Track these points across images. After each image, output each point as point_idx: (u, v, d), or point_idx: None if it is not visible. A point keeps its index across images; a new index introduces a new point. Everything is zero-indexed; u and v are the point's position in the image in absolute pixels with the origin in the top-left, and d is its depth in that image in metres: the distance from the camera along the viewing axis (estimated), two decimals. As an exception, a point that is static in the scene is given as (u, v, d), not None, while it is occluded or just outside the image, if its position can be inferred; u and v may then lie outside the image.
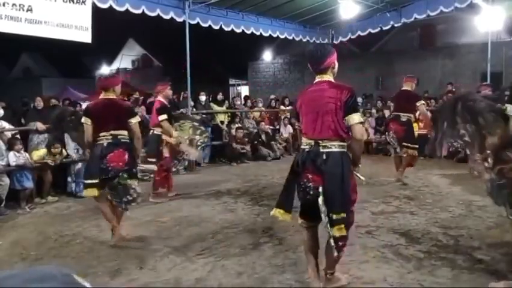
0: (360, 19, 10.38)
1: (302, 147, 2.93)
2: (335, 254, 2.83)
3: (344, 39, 11.70)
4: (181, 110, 8.50)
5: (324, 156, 2.76)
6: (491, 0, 8.39)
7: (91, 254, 3.90)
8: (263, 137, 9.81)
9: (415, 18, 10.07)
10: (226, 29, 9.17)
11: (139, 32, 23.94)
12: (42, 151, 6.04)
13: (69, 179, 6.34)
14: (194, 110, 8.96)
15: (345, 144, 2.83)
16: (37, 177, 5.98)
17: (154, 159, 5.55)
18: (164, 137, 5.62)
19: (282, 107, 11.38)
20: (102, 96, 4.08)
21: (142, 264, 3.58)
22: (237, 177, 7.55)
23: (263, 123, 10.13)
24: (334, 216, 2.73)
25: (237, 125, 9.54)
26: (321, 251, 3.04)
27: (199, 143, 6.25)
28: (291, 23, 10.62)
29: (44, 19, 5.90)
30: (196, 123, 6.40)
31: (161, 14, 7.86)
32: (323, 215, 2.76)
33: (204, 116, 9.17)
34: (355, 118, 2.75)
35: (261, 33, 10.02)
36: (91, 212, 5.38)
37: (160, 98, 5.74)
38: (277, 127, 10.70)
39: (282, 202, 3.06)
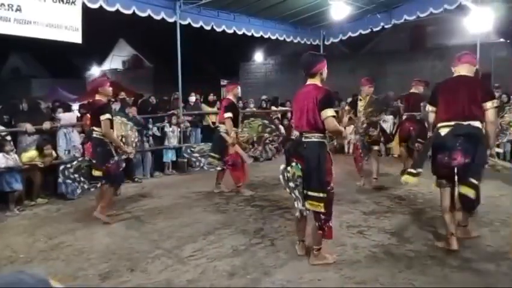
0: (351, 20, 10.42)
1: (292, 137, 3.46)
2: (317, 228, 3.39)
3: (335, 40, 11.74)
4: (172, 111, 8.45)
5: (305, 145, 3.40)
6: (480, 2, 8.49)
7: (81, 256, 3.87)
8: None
9: (405, 19, 10.14)
10: (217, 29, 9.15)
11: (130, 33, 23.80)
12: (31, 153, 5.97)
13: (59, 181, 6.27)
14: (184, 111, 8.92)
15: (323, 135, 3.40)
16: (26, 179, 5.91)
17: (217, 155, 5.97)
18: (224, 134, 5.87)
19: (274, 108, 11.39)
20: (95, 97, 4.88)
21: (133, 267, 3.56)
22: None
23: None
24: (309, 193, 3.36)
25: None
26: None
27: (267, 141, 6.49)
28: (282, 24, 10.63)
29: (34, 19, 5.83)
30: (265, 121, 6.51)
31: (152, 15, 7.80)
32: (296, 191, 3.40)
33: (194, 117, 9.13)
34: (327, 112, 3.30)
35: (252, 34, 10.00)
36: (81, 214, 5.34)
37: (229, 96, 6.01)
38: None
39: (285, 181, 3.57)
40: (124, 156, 5.22)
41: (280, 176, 3.51)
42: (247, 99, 11.71)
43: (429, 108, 3.94)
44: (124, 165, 5.22)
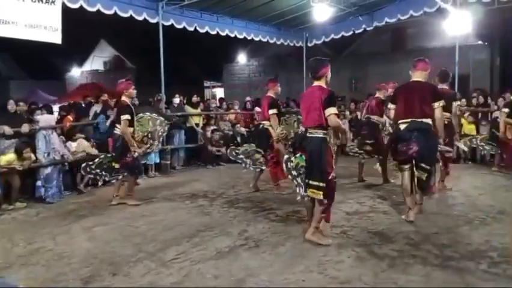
0: (333, 22, 10.53)
1: (299, 132, 4.33)
2: (320, 211, 3.91)
3: (318, 42, 11.85)
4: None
5: (309, 140, 3.90)
6: (459, 5, 8.68)
7: (61, 261, 3.78)
8: (239, 139, 9.78)
9: (386, 22, 10.32)
10: (200, 30, 9.11)
11: (111, 33, 23.48)
12: (10, 156, 5.81)
13: (38, 184, 6.14)
14: (168, 112, 8.84)
15: (326, 131, 3.85)
16: (4, 182, 5.76)
17: (262, 151, 6.15)
18: (271, 130, 6.00)
19: (258, 109, 11.38)
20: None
21: (115, 271, 3.50)
22: (212, 179, 7.51)
23: (239, 125, 10.10)
24: (310, 182, 3.86)
25: (212, 127, 9.48)
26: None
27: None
28: (265, 26, 10.66)
29: (12, 19, 5.70)
30: (300, 117, 6.46)
31: (133, 15, 7.73)
32: (299, 179, 3.91)
33: (177, 118, 9.06)
34: (330, 110, 3.76)
35: (235, 36, 10.01)
36: (61, 217, 5.23)
37: (270, 93, 6.12)
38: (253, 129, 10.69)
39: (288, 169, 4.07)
40: (149, 150, 6.05)
41: (284, 165, 3.97)
42: (231, 101, 11.70)
43: (391, 106, 4.71)
44: (143, 160, 6.15)
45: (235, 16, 9.69)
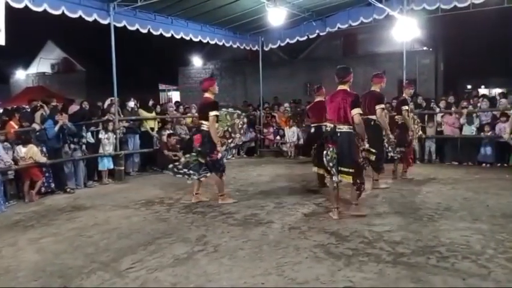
0: (288, 27, 10.72)
1: (327, 128, 4.94)
2: (355, 190, 4.81)
3: (274, 47, 12.00)
4: (107, 116, 8.08)
5: (338, 134, 4.68)
6: (406, 13, 9.13)
7: (7, 275, 3.55)
8: (195, 143, 9.67)
9: (338, 27, 10.65)
10: (154, 33, 8.92)
11: (59, 34, 22.47)
12: None
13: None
14: (121, 116, 8.57)
15: (351, 127, 4.66)
16: None
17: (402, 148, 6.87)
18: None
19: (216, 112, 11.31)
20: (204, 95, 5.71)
21: (66, 283, 3.33)
22: (169, 185, 7.34)
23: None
24: (341, 169, 4.67)
25: (168, 132, 9.31)
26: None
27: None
28: (221, 29, 10.64)
29: None
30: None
31: (83, 16, 7.42)
32: (333, 169, 4.67)
33: (131, 122, 8.81)
34: (355, 111, 4.60)
35: (190, 39, 9.90)
36: (5, 229, 4.92)
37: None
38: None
39: (318, 162, 5.14)
40: (232, 144, 6.27)
41: (324, 159, 4.73)
42: (188, 105, 11.55)
43: (360, 110, 4.93)
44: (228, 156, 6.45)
45: (190, 19, 9.59)
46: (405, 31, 9.10)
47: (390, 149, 6.66)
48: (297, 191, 6.42)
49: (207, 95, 5.70)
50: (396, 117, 7.09)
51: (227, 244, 4.10)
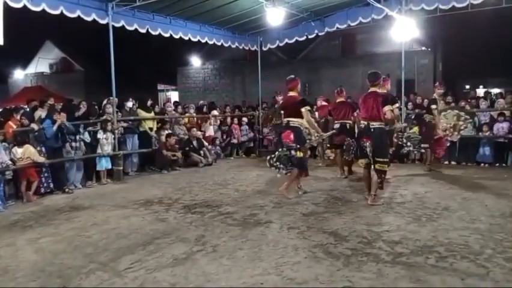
0: (287, 27, 10.71)
1: (361, 124, 5.61)
2: (377, 179, 5.42)
3: (272, 47, 12.00)
4: (105, 116, 8.05)
5: (372, 129, 5.38)
6: (404, 13, 9.14)
7: (6, 275, 3.54)
8: (194, 143, 9.67)
9: (337, 27, 10.65)
10: (153, 33, 8.91)
11: (58, 34, 22.43)
12: None
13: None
14: (119, 116, 8.56)
15: (382, 123, 5.37)
16: None
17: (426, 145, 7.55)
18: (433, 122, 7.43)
19: (215, 112, 11.32)
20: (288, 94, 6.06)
21: (65, 283, 3.33)
22: (168, 185, 7.35)
23: (194, 129, 9.97)
24: (376, 159, 5.36)
25: (167, 132, 9.30)
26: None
27: (462, 128, 7.65)
28: (220, 29, 10.63)
29: None
30: (461, 113, 7.76)
31: (82, 16, 7.41)
32: (370, 159, 5.40)
33: (130, 122, 8.80)
34: (386, 108, 5.28)
35: (189, 39, 9.90)
36: (4, 229, 4.91)
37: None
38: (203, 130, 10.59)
39: (358, 155, 5.78)
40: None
41: (367, 149, 5.39)
42: (187, 104, 11.55)
43: (390, 107, 5.41)
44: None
45: (188, 19, 9.58)
46: (403, 31, 9.10)
47: (409, 144, 7.21)
48: (295, 191, 6.41)
49: (292, 93, 6.03)
50: (424, 115, 7.86)
51: (226, 244, 4.10)
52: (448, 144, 7.76)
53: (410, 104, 9.89)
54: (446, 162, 8.80)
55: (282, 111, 6.24)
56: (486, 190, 6.17)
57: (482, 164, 8.63)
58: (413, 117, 9.23)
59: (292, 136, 5.79)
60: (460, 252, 3.68)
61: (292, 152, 5.81)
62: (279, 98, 10.35)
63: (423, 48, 16.60)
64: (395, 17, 9.02)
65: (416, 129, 8.24)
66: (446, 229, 4.35)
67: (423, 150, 7.83)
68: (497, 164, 8.52)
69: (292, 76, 6.18)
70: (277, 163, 5.90)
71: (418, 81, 15.95)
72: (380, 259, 3.59)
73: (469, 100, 9.71)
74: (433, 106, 7.48)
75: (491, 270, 3.31)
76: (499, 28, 17.21)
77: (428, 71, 16.66)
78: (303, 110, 5.77)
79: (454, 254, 3.64)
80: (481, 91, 17.98)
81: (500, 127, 8.49)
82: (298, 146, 5.79)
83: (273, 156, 5.96)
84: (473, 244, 3.88)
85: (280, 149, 6.01)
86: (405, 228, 4.42)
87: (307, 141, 6.01)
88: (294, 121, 5.86)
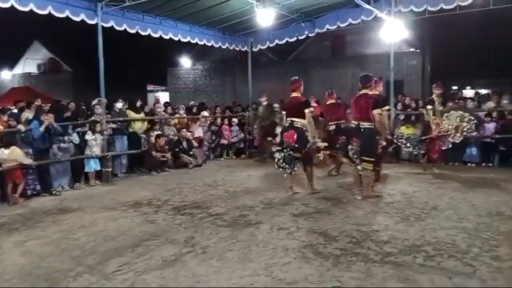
0: (277, 28, 10.74)
1: (351, 124, 5.96)
2: (373, 176, 5.78)
3: (263, 47, 12.02)
4: (93, 117, 7.97)
5: (362, 129, 5.59)
6: (393, 14, 9.21)
7: (-10, 280, 3.48)
8: (184, 144, 9.63)
9: (327, 28, 10.72)
10: (142, 33, 8.85)
11: (46, 34, 22.17)
12: None
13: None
14: (109, 117, 8.49)
15: (372, 123, 5.52)
16: None
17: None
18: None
19: (205, 113, 11.27)
20: (292, 95, 6.20)
21: (52, 287, 3.28)
22: (157, 186, 7.31)
23: (184, 130, 9.93)
24: (363, 158, 5.59)
25: (156, 132, 9.24)
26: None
27: (465, 129, 7.56)
28: (210, 30, 10.61)
29: None
30: (465, 114, 7.68)
31: (70, 16, 7.33)
32: (357, 159, 5.65)
33: (119, 123, 8.73)
34: (375, 111, 5.46)
35: (179, 39, 9.86)
36: (-10, 232, 4.82)
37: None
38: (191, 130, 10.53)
39: (346, 153, 6.11)
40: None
41: (349, 151, 5.75)
42: (177, 105, 11.50)
43: (380, 111, 5.63)
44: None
45: (179, 19, 9.54)
46: (393, 32, 9.18)
47: (409, 144, 7.75)
48: (285, 192, 6.42)
49: (295, 94, 6.16)
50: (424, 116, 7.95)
51: (216, 245, 4.08)
52: (445, 148, 7.79)
53: (399, 104, 9.98)
54: (434, 163, 8.88)
55: (284, 112, 6.36)
56: (473, 190, 6.25)
57: (469, 164, 8.74)
58: (412, 117, 9.25)
59: (295, 136, 5.89)
60: (447, 251, 3.72)
61: (291, 151, 5.91)
62: (263, 100, 10.39)
63: (412, 49, 16.74)
64: (385, 18, 9.10)
65: (403, 128, 8.38)
66: (434, 228, 4.39)
67: (422, 151, 7.98)
68: (484, 164, 8.63)
69: (296, 77, 6.33)
70: (284, 164, 5.98)
71: (407, 82, 16.08)
72: (369, 259, 3.61)
73: (456, 101, 9.82)
74: (428, 107, 7.63)
75: (477, 268, 3.36)
76: (486, 29, 17.48)
77: (416, 72, 16.80)
78: (306, 111, 5.92)
79: (442, 253, 3.68)
80: (468, 92, 18.22)
81: (487, 127, 8.60)
82: (298, 146, 5.89)
83: (280, 157, 6.03)
84: (461, 243, 3.93)
85: (285, 150, 6.00)
86: (393, 228, 4.45)
87: (309, 142, 6.07)
88: (298, 121, 5.97)
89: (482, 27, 16.79)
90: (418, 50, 16.93)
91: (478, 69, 20.38)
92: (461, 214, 4.91)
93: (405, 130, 9.08)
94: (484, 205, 5.31)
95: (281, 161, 5.96)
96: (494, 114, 8.83)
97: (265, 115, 10.15)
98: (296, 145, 5.88)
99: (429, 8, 9.03)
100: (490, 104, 9.22)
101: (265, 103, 10.42)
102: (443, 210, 5.14)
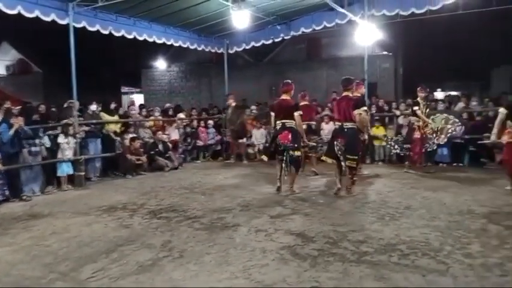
0: (253, 30, 10.77)
1: (335, 126, 6.26)
2: (348, 176, 6.04)
3: (239, 49, 12.03)
4: (66, 120, 7.75)
5: (345, 130, 5.95)
6: (367, 18, 9.39)
7: (-45, 290, 3.32)
8: (160, 146, 9.50)
9: (302, 31, 10.83)
10: (116, 34, 8.69)
11: (15, 35, 21.44)
12: None
13: None
14: (82, 119, 8.27)
15: (355, 124, 5.88)
16: None
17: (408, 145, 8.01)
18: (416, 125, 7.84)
19: (181, 115, 11.15)
20: (282, 97, 6.36)
21: (22, 296, 3.16)
22: (132, 190, 7.17)
23: (160, 132, 9.80)
24: (348, 156, 5.91)
25: (131, 135, 9.08)
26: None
27: (450, 131, 7.85)
28: (185, 31, 10.53)
29: None
30: (449, 116, 8.04)
31: (40, 16, 7.12)
32: (342, 157, 5.96)
33: (92, 126, 8.52)
34: (356, 111, 5.81)
35: (154, 41, 9.73)
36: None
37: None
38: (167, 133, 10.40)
39: (329, 152, 6.24)
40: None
41: (335, 150, 6.00)
42: (152, 107, 11.33)
43: (360, 111, 5.95)
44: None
45: (153, 20, 9.42)
46: (366, 36, 9.36)
47: (396, 146, 8.14)
48: (263, 193, 6.44)
49: (285, 96, 6.33)
50: (411, 118, 8.23)
51: (193, 249, 4.04)
52: (430, 149, 8.04)
53: (373, 106, 10.16)
54: (407, 163, 9.10)
55: (273, 114, 6.46)
56: (444, 189, 6.43)
57: (441, 164, 8.99)
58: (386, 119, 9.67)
59: (290, 136, 6.06)
60: (421, 250, 3.81)
61: (291, 152, 6.09)
62: (231, 101, 10.38)
63: (385, 52, 17.11)
64: (358, 22, 9.26)
65: (373, 129, 8.63)
66: (408, 227, 4.49)
67: (408, 152, 8.15)
68: (455, 164, 8.90)
69: (289, 81, 6.54)
70: (287, 166, 6.19)
71: (380, 84, 16.41)
72: (346, 258, 3.66)
73: (428, 103, 10.09)
74: (415, 108, 7.85)
75: (450, 266, 3.45)
76: (455, 34, 18.05)
77: (389, 75, 17.18)
78: (296, 114, 6.14)
79: (416, 252, 3.76)
80: (438, 94, 18.76)
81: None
82: (296, 145, 6.07)
83: (284, 160, 6.18)
84: (433, 241, 4.03)
85: (285, 152, 6.17)
86: (369, 228, 4.52)
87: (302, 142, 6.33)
88: (289, 122, 6.16)
89: (451, 32, 17.34)
90: (391, 53, 17.32)
91: (448, 73, 21.02)
92: (434, 213, 5.04)
93: (375, 131, 9.29)
94: (455, 204, 5.47)
95: (287, 162, 6.14)
96: (464, 116, 9.10)
97: (233, 118, 10.17)
98: (292, 144, 6.05)
99: (401, 12, 9.27)
100: (460, 106, 9.52)
101: (233, 105, 10.38)
102: (416, 209, 5.26)
